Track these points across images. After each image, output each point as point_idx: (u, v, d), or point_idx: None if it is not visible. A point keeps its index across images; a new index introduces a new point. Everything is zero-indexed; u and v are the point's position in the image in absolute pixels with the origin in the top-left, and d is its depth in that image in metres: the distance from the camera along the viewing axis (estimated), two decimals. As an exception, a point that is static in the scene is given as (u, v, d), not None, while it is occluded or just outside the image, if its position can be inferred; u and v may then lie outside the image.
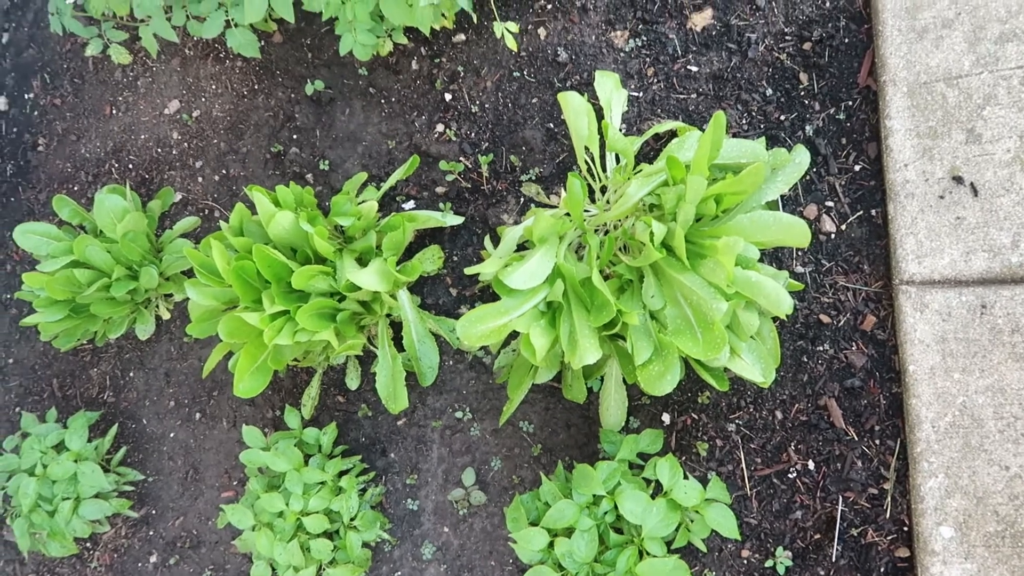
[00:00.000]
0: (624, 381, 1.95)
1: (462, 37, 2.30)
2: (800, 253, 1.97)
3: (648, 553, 1.71)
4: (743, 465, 1.92)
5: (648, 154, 2.12)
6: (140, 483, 2.37)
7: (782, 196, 2.01)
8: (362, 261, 2.07)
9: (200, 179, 2.50)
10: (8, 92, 2.81)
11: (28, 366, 2.57)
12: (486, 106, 2.25)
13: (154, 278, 2.30)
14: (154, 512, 2.35)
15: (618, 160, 2.06)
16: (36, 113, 2.76)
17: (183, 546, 2.30)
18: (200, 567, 2.26)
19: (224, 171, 2.48)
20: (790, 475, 1.89)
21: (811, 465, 1.88)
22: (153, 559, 2.32)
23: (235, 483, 2.29)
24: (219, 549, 2.26)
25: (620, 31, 2.20)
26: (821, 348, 1.91)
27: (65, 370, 2.53)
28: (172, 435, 2.38)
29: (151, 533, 2.34)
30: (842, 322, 1.91)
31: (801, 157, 1.83)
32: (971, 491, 1.69)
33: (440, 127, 2.28)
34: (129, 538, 2.36)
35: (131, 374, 2.47)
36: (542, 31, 2.25)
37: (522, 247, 2.07)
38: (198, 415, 2.37)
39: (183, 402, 2.40)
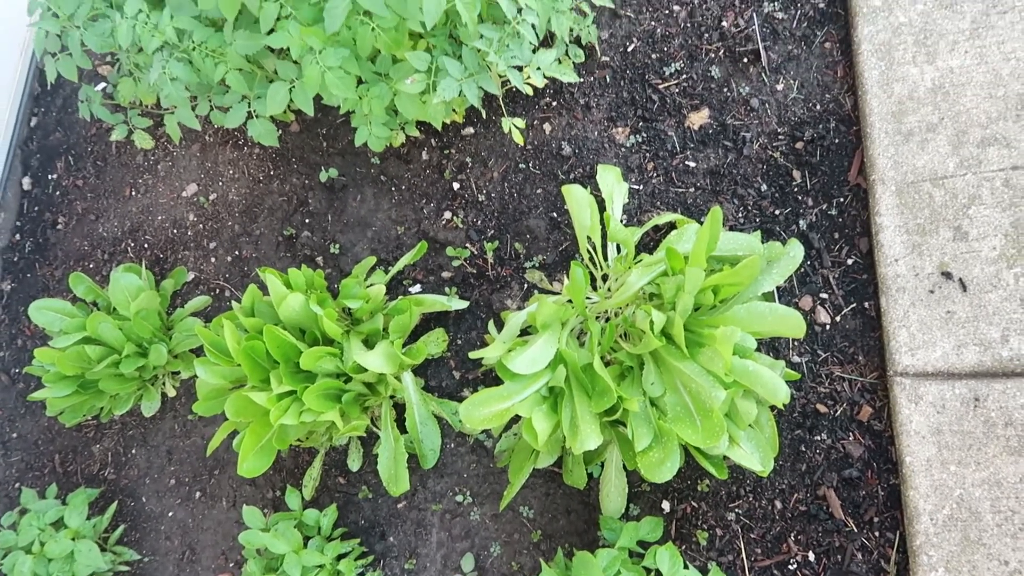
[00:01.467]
0: (624, 467, 1.97)
1: (471, 130, 2.42)
2: (796, 343, 2.02)
3: (648, 645, 1.69)
4: (743, 555, 1.92)
5: (648, 244, 2.20)
6: (136, 563, 2.35)
7: (778, 288, 2.07)
8: (369, 343, 2.12)
9: (213, 259, 2.57)
10: (32, 173, 2.92)
11: (31, 441, 2.58)
12: (492, 195, 2.35)
13: (163, 355, 2.34)
14: (148, 593, 2.33)
15: (619, 250, 2.14)
16: (58, 193, 2.86)
17: (176, 629, 2.26)
18: (192, 652, 2.22)
19: (237, 252, 2.55)
20: (791, 566, 1.89)
21: (811, 556, 1.88)
22: (144, 643, 2.28)
23: (231, 564, 2.27)
24: (212, 633, 2.23)
25: (621, 127, 2.32)
26: (819, 438, 1.94)
27: (68, 445, 2.54)
28: (171, 514, 2.38)
29: (144, 615, 2.31)
30: (839, 412, 1.94)
31: (795, 250, 1.90)
32: (972, 586, 1.68)
33: (448, 214, 2.36)
34: (121, 620, 2.32)
35: (133, 451, 2.48)
36: (547, 126, 2.36)
37: (525, 332, 2.12)
38: (198, 494, 2.37)
39: (184, 480, 2.40)
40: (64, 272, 2.73)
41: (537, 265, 2.26)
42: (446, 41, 2.02)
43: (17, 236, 2.86)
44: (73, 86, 2.80)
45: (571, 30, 2.24)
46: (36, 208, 2.87)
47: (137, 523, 2.40)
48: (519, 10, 1.93)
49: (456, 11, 1.86)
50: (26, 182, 2.92)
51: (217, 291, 2.54)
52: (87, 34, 2.20)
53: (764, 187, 2.16)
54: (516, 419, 2.11)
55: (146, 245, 2.67)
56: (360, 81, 2.07)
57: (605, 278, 2.10)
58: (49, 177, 2.90)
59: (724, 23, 2.33)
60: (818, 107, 2.18)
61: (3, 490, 2.53)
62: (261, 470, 2.00)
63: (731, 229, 2.16)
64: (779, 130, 2.19)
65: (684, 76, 2.31)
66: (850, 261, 2.04)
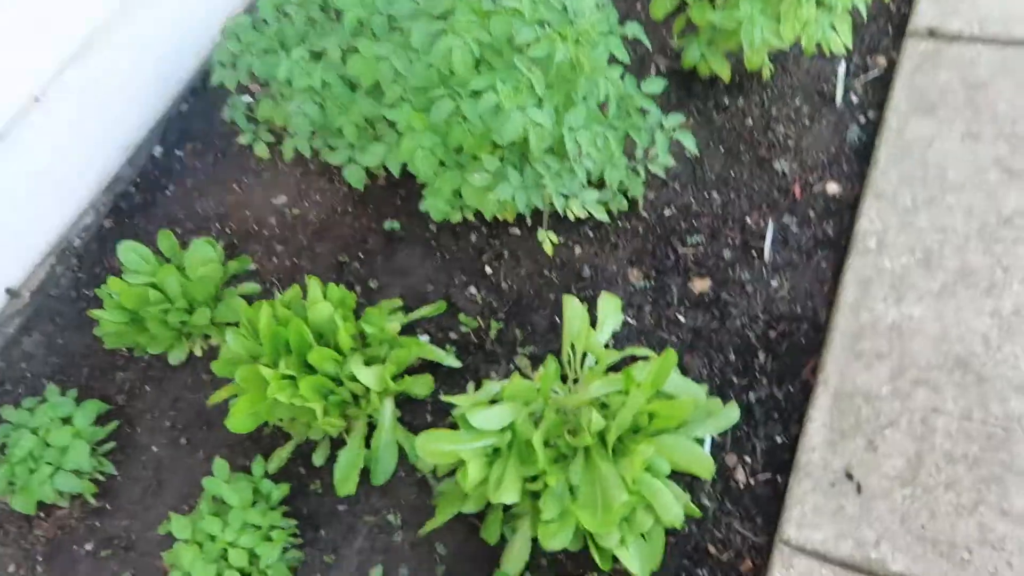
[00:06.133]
0: (533, 540, 2.25)
1: (517, 231, 2.87)
2: (711, 489, 2.31)
3: None
4: (605, 653, 2.15)
5: (622, 369, 2.55)
6: (110, 477, 2.69)
7: (714, 439, 2.38)
8: (368, 364, 2.50)
9: (275, 259, 3.04)
10: (166, 144, 3.50)
11: (71, 351, 3.01)
12: (513, 287, 2.76)
13: (206, 318, 2.77)
14: (108, 507, 2.65)
15: (596, 363, 2.50)
16: (178, 166, 3.42)
17: (118, 545, 2.57)
18: (124, 567, 2.52)
19: (296, 260, 3.02)
20: (640, 677, 2.11)
21: (661, 675, 2.10)
22: (88, 547, 2.59)
23: (186, 508, 2.59)
24: (146, 559, 2.53)
25: (636, 270, 2.73)
26: (700, 572, 2.20)
27: (98, 364, 2.95)
28: (155, 449, 2.73)
29: (96, 524, 2.63)
30: (725, 558, 2.20)
31: (731, 412, 2.24)
32: None
33: (473, 289, 2.79)
34: (77, 521, 2.65)
35: (147, 388, 2.87)
36: (578, 248, 2.80)
37: (495, 401, 2.47)
38: (183, 440, 2.73)
39: (177, 426, 2.77)
40: (157, 228, 3.22)
41: (527, 354, 2.64)
42: (517, 156, 2.50)
43: (132, 188, 3.40)
44: (224, 93, 3.40)
45: (621, 182, 2.70)
46: (156, 172, 3.43)
47: (124, 447, 2.76)
48: (580, 153, 2.41)
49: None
50: (157, 149, 3.50)
51: (268, 285, 2.99)
52: (256, 61, 2.80)
53: (732, 357, 2.51)
54: (458, 467, 2.43)
55: (228, 230, 3.16)
56: (442, 163, 2.55)
57: (576, 381, 2.45)
58: (176, 152, 3.47)
59: (748, 219, 2.76)
60: (798, 309, 2.55)
61: (34, 382, 2.94)
62: (244, 429, 2.37)
63: (694, 379, 2.50)
64: (760, 316, 2.56)
65: (701, 248, 2.73)
66: (779, 440, 2.35)
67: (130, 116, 3.48)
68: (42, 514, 2.67)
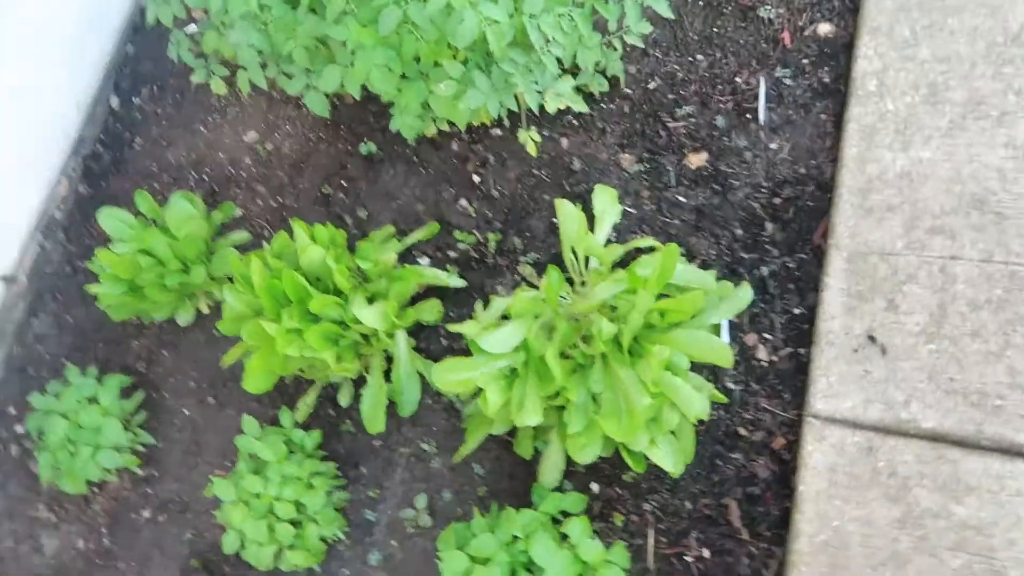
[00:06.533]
0: (566, 450, 2.29)
1: (498, 132, 2.72)
2: (735, 372, 2.31)
3: (547, 594, 2.02)
4: (650, 541, 2.23)
5: (630, 261, 2.49)
6: (150, 446, 2.76)
7: (731, 321, 2.35)
8: (371, 301, 2.46)
9: (259, 202, 2.94)
10: (121, 94, 3.32)
11: (82, 327, 3.00)
12: (505, 193, 2.66)
13: (202, 276, 2.72)
14: (155, 474, 2.73)
15: (600, 263, 2.43)
16: (139, 116, 3.26)
17: (173, 508, 2.67)
18: (184, 529, 2.63)
19: (280, 199, 2.92)
20: (687, 558, 2.20)
21: (707, 554, 2.19)
22: (146, 514, 2.69)
23: (228, 463, 2.66)
24: (202, 517, 2.63)
25: (628, 155, 2.60)
26: (734, 456, 2.23)
27: (111, 337, 2.95)
28: (185, 411, 2.78)
29: (149, 491, 2.72)
30: (756, 438, 2.23)
31: (744, 293, 2.18)
32: (826, 603, 1.98)
33: (464, 202, 2.69)
34: (130, 491, 2.74)
35: (164, 352, 2.88)
36: (564, 141, 2.66)
37: (506, 317, 2.44)
38: (211, 399, 2.76)
39: (201, 386, 2.79)
40: (133, 186, 3.11)
41: (531, 262, 2.57)
42: (481, 56, 2.32)
43: (98, 147, 3.27)
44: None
45: (598, 62, 2.52)
46: (119, 126, 3.27)
47: (156, 414, 2.81)
48: (547, 41, 2.23)
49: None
50: (114, 101, 3.32)
51: (257, 230, 2.91)
52: (187, -10, 2.56)
53: (739, 232, 2.43)
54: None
55: (205, 177, 3.05)
56: (403, 76, 2.38)
57: (584, 284, 2.40)
58: (134, 100, 3.29)
59: (738, 79, 2.59)
60: (802, 170, 2.44)
61: (54, 363, 2.96)
62: (263, 389, 2.38)
63: (703, 263, 2.44)
64: (763, 184, 2.45)
65: (693, 120, 2.58)
66: (797, 311, 2.31)
67: (78, 67, 3.28)
68: (95, 489, 2.77)
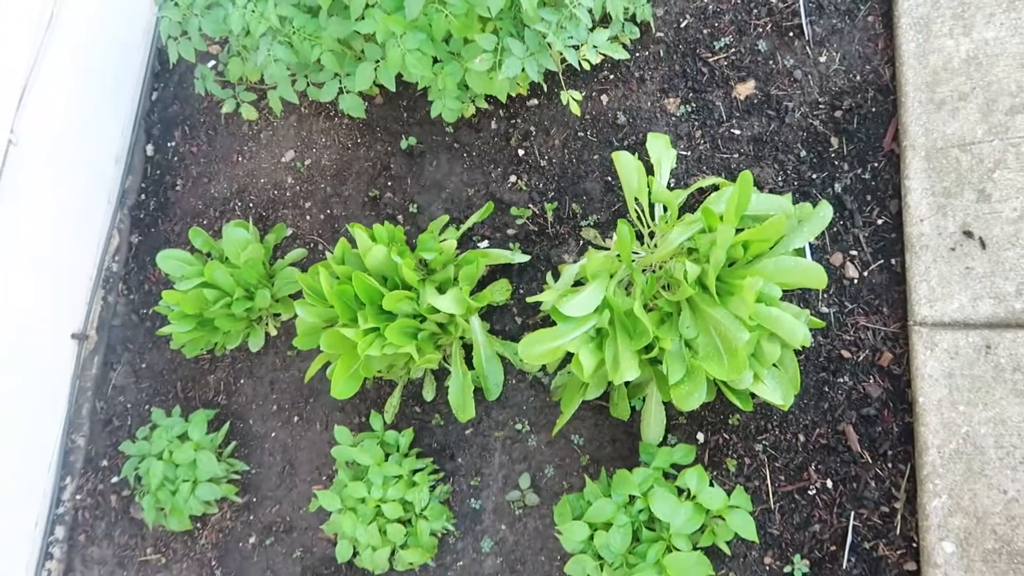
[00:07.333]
0: (664, 402, 2.22)
1: (535, 101, 2.67)
2: (826, 295, 2.22)
3: (675, 548, 1.95)
4: (768, 481, 2.15)
5: (694, 205, 2.42)
6: (245, 473, 2.76)
7: (811, 244, 2.26)
8: (441, 290, 2.42)
9: (308, 217, 2.93)
10: (154, 141, 3.34)
11: (158, 371, 3.02)
12: (553, 161, 2.60)
13: (267, 299, 2.72)
14: (255, 500, 2.73)
15: (665, 210, 2.36)
16: (176, 158, 3.27)
17: (278, 530, 2.66)
18: (291, 548, 2.62)
19: (328, 211, 2.90)
20: (810, 492, 2.11)
21: (829, 484, 2.10)
22: (252, 540, 2.69)
23: (324, 478, 2.65)
24: (308, 534, 2.62)
25: (672, 99, 2.53)
26: (841, 380, 2.14)
27: (187, 375, 2.96)
28: (273, 434, 2.77)
29: (251, 517, 2.72)
30: (861, 358, 2.14)
31: (824, 211, 2.09)
32: (972, 511, 1.88)
33: (513, 178, 2.64)
34: (233, 521, 2.74)
35: (241, 381, 2.88)
36: (604, 97, 2.59)
37: (579, 283, 2.38)
38: (296, 419, 2.76)
39: (284, 407, 2.79)
40: (183, 227, 3.13)
41: (592, 224, 2.51)
42: (511, 24, 2.28)
43: (142, 196, 3.29)
44: (188, 64, 3.18)
45: (626, 9, 2.45)
46: (158, 171, 3.29)
47: (246, 441, 2.81)
48: (577, -7, 2.17)
49: (520, -3, 2.11)
50: (149, 148, 3.35)
51: (312, 245, 2.90)
52: (204, 20, 2.56)
53: (803, 153, 2.34)
54: (568, 357, 2.39)
55: (251, 204, 3.05)
56: (435, 60, 2.34)
57: (652, 235, 2.33)
58: (168, 144, 3.31)
59: (772, -1, 2.50)
60: (858, 78, 2.34)
61: (137, 410, 2.98)
62: (349, 394, 2.35)
63: (771, 192, 2.35)
64: (820, 100, 2.36)
65: (732, 50, 2.50)
66: (880, 221, 2.21)
67: (111, 123, 3.32)
68: (198, 525, 2.78)
